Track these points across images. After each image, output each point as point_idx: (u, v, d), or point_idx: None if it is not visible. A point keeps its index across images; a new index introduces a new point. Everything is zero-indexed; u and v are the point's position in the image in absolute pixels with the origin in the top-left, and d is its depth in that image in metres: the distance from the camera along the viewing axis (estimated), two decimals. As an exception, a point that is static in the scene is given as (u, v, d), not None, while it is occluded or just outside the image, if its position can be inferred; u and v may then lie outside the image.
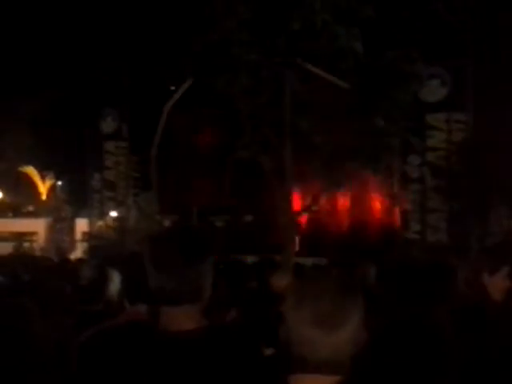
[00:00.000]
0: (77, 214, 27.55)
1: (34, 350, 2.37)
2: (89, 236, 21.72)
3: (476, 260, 2.92)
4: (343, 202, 17.96)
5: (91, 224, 21.58)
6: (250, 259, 12.18)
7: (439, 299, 3.47)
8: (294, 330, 1.54)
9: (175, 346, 1.76)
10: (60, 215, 29.87)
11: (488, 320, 2.66)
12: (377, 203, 17.41)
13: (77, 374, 2.21)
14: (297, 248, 15.40)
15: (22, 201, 32.59)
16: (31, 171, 36.04)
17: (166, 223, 17.43)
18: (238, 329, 1.94)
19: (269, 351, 2.05)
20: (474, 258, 3.00)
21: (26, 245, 26.28)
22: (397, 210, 15.61)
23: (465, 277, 2.87)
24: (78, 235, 25.93)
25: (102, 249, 18.01)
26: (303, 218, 17.07)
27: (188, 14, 8.97)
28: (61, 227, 28.68)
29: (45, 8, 23.14)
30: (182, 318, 1.80)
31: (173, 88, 17.42)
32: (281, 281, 3.95)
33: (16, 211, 30.77)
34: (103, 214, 20.82)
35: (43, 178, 36.65)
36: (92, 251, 19.37)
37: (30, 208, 33.03)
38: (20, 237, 27.16)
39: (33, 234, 28.06)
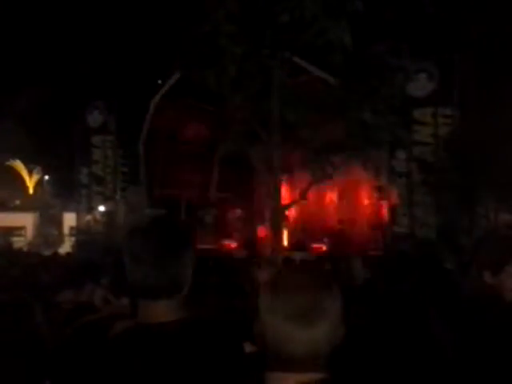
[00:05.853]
0: (64, 209, 27.46)
1: (37, 343, 2.36)
2: (77, 230, 21.59)
3: (476, 258, 2.78)
4: (331, 195, 17.97)
5: (79, 218, 21.44)
6: (239, 254, 12.21)
7: (427, 294, 3.47)
8: (269, 326, 1.49)
9: (152, 338, 1.75)
10: (47, 209, 29.76)
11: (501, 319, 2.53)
12: (364, 197, 17.44)
13: (61, 366, 2.21)
14: (286, 242, 15.43)
15: (9, 195, 32.43)
16: (18, 165, 35.89)
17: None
18: (217, 322, 1.92)
19: (250, 348, 2.02)
20: (472, 255, 2.83)
21: (14, 239, 26.17)
22: (384, 205, 15.63)
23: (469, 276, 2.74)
24: (66, 229, 25.84)
25: (89, 243, 17.92)
26: (292, 212, 17.09)
27: (175, 7, 8.92)
28: (48, 221, 28.57)
29: (29, 4, 22.99)
30: (161, 311, 1.79)
31: (160, 82, 17.39)
32: (265, 275, 3.92)
33: (3, 206, 30.58)
34: (91, 209, 20.68)
35: (30, 172, 36.51)
36: (80, 245, 19.28)
37: (17, 202, 32.88)
38: (7, 231, 27.02)
39: (20, 228, 27.93)
